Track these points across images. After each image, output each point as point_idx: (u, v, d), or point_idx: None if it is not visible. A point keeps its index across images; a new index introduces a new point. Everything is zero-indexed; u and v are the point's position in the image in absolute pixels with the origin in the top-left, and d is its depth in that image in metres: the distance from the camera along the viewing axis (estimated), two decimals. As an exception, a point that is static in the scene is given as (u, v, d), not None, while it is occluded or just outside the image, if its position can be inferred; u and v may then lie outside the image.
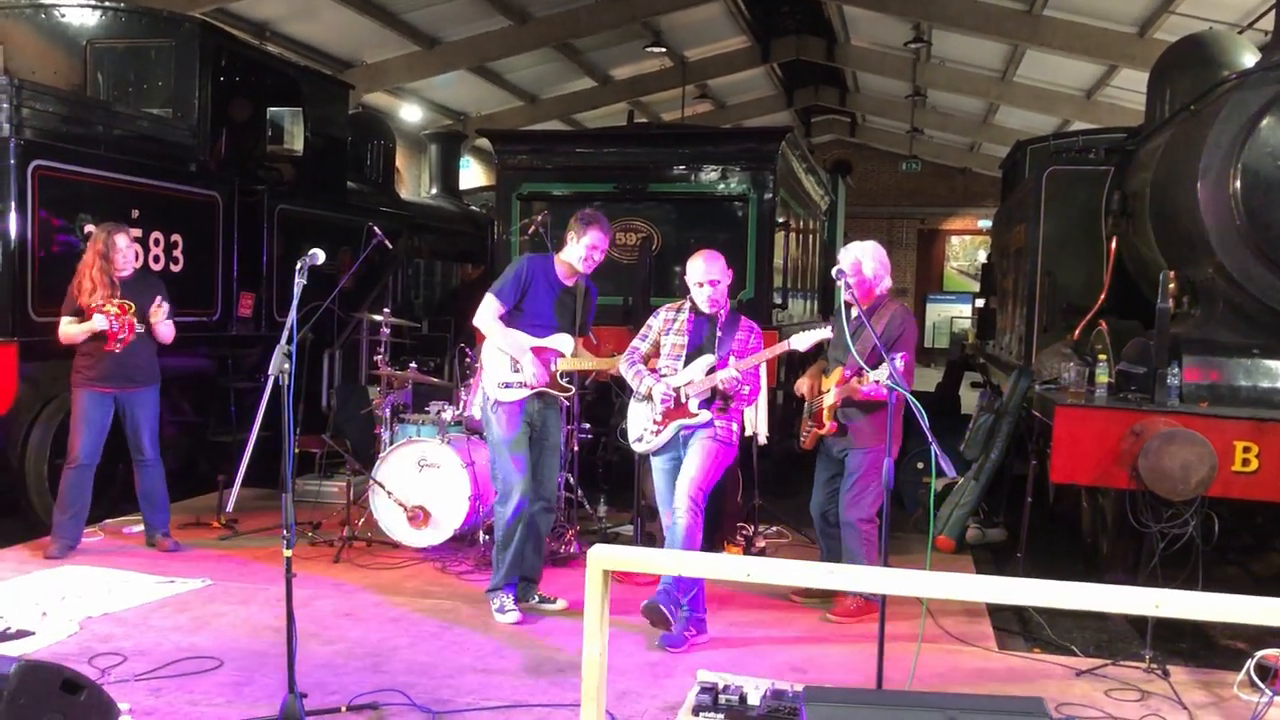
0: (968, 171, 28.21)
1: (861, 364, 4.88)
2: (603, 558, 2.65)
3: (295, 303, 3.80)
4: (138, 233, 7.02)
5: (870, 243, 5.47)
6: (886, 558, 3.98)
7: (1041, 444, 6.35)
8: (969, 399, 13.42)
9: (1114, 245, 6.93)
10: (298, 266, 3.92)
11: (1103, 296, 6.81)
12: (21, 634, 4.62)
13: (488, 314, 5.27)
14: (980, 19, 15.39)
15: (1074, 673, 4.70)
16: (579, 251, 5.26)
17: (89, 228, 6.65)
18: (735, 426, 5.04)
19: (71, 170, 6.66)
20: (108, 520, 6.89)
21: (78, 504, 6.12)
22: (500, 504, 5.34)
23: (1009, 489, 7.39)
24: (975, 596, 2.67)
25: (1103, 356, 5.84)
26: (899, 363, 4.72)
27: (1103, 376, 5.65)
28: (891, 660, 4.06)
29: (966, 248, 30.61)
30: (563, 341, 5.35)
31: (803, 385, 5.65)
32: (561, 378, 5.36)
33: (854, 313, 4.85)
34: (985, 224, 26.10)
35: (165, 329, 6.21)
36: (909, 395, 3.93)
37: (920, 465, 7.78)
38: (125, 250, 6.08)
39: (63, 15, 7.94)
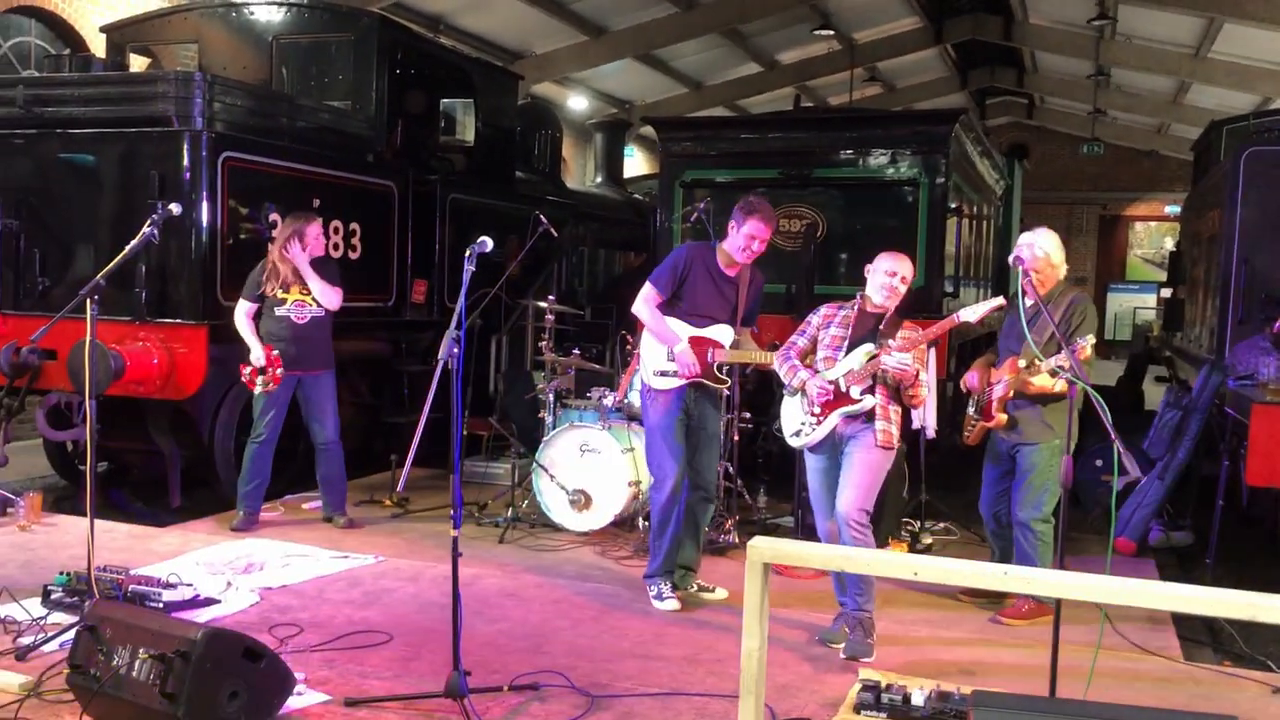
0: (1155, 154, 26.71)
1: (1037, 353, 4.64)
2: (764, 550, 2.59)
3: (464, 289, 3.87)
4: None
5: (1049, 230, 5.21)
6: (1063, 560, 3.78)
7: (1235, 443, 5.95)
8: (1152, 394, 12.74)
9: (1322, 231, 6.43)
10: (466, 254, 3.99)
11: (1308, 286, 6.34)
12: (209, 601, 4.88)
13: (645, 302, 5.25)
14: (1172, -8, 14.52)
15: (1270, 690, 4.38)
16: (738, 241, 5.17)
17: (274, 216, 6.98)
18: (896, 430, 4.76)
19: (258, 161, 6.97)
20: (288, 495, 7.22)
21: (259, 477, 6.44)
22: (655, 490, 5.34)
23: (1197, 490, 6.96)
24: (1161, 605, 2.50)
25: (1307, 351, 5.44)
26: (1087, 349, 4.48)
27: (1307, 372, 5.25)
28: (1065, 667, 3.86)
29: (1152, 234, 29.02)
30: (722, 332, 5.28)
31: (971, 378, 5.41)
32: (719, 369, 5.30)
33: (1029, 301, 4.64)
34: (1173, 210, 24.70)
35: (328, 294, 6.41)
36: (1090, 388, 3.72)
37: (1099, 463, 7.40)
38: (319, 239, 6.38)
39: (251, 13, 8.33)
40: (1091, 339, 4.67)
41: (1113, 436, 3.49)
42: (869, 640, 4.65)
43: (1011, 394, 5.08)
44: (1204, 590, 2.61)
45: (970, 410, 5.41)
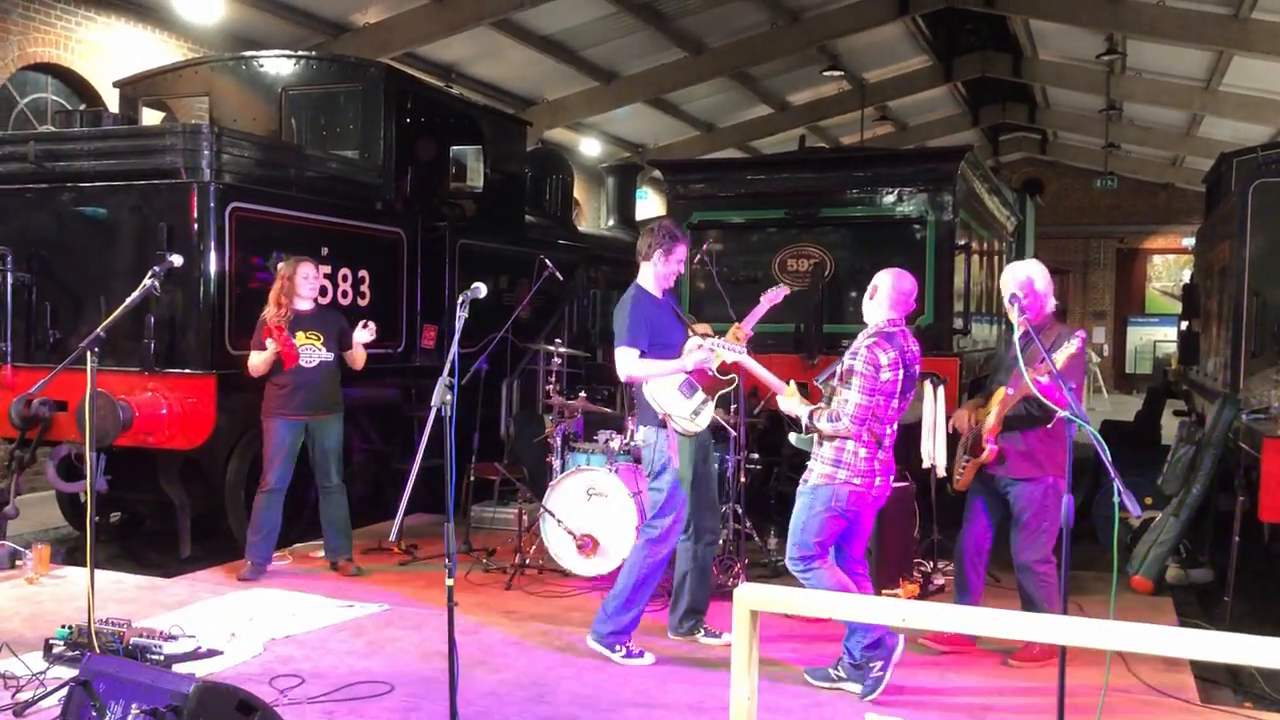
0: (1170, 187, 26.62)
1: (1026, 376, 4.53)
2: (750, 598, 2.56)
3: (456, 336, 3.87)
4: (327, 269, 7.36)
5: (1036, 261, 5.20)
6: (1066, 601, 3.71)
7: (1250, 478, 5.86)
8: (1171, 428, 12.61)
9: (1332, 262, 6.38)
10: (459, 301, 3.99)
11: (1319, 318, 6.27)
12: (211, 653, 4.86)
13: (632, 361, 5.09)
14: (1179, 26, 14.49)
15: (1288, 732, 4.29)
16: (671, 268, 5.21)
17: (281, 265, 7.02)
18: (842, 471, 4.62)
19: (265, 211, 7.04)
20: (297, 545, 7.20)
21: (268, 526, 6.42)
22: (658, 543, 5.15)
23: (1215, 526, 6.86)
24: (1159, 650, 2.44)
25: (1319, 383, 5.37)
26: (1072, 348, 4.43)
27: (1319, 405, 5.18)
28: (1077, 711, 3.79)
29: (1170, 267, 28.85)
30: (692, 347, 5.23)
31: (960, 418, 5.33)
32: (719, 374, 5.23)
33: (1020, 331, 4.63)
34: (1190, 242, 24.60)
35: (361, 355, 6.53)
36: (1082, 421, 3.65)
37: (1118, 500, 7.31)
38: (310, 280, 6.38)
39: (261, 65, 8.45)
40: (1074, 343, 4.57)
41: (1112, 475, 3.44)
42: (873, 675, 4.61)
43: (1000, 427, 4.99)
44: (1206, 635, 2.54)
45: (960, 452, 5.32)
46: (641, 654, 5.07)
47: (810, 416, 4.70)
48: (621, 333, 5.14)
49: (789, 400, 4.79)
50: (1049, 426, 4.87)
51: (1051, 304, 5.08)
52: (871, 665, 4.65)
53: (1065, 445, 3.87)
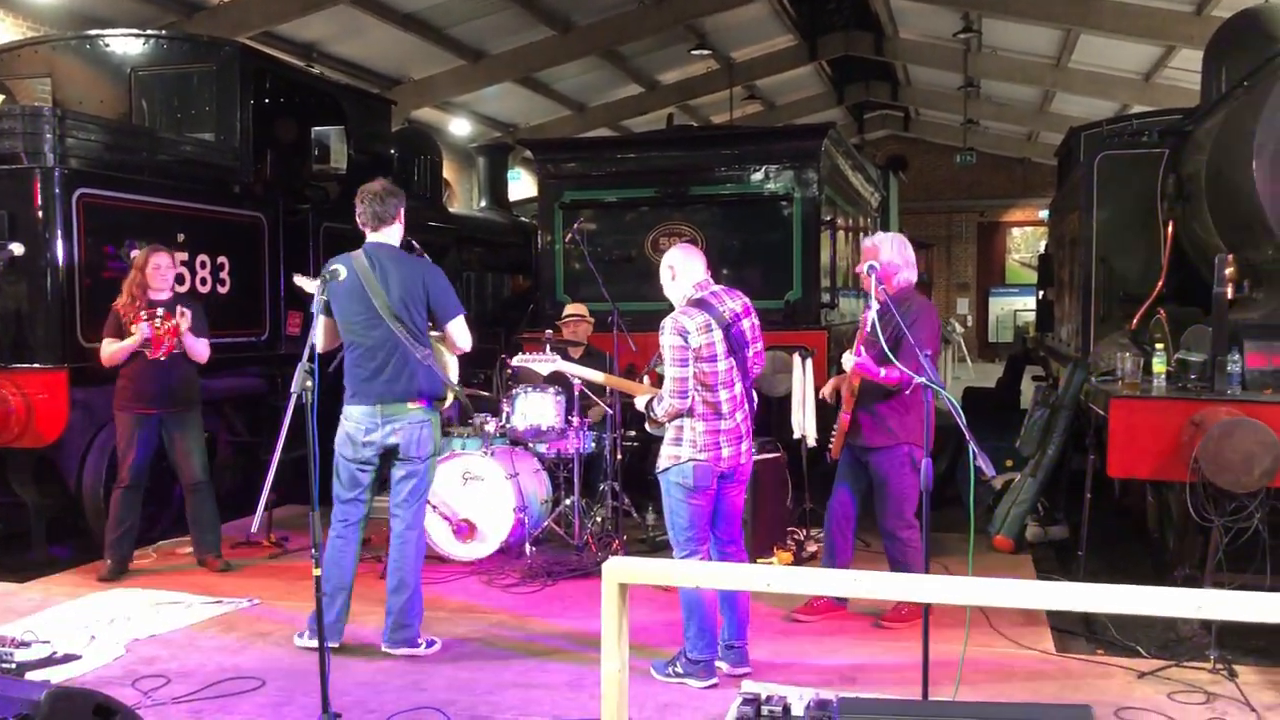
0: (1026, 161, 27.65)
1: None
2: (618, 571, 2.57)
3: (317, 320, 3.79)
4: (184, 256, 7.09)
5: (893, 234, 5.35)
6: (928, 562, 3.83)
7: (1100, 438, 6.14)
8: (1030, 393, 13.13)
9: (1171, 230, 6.69)
10: (316, 285, 3.90)
11: (1160, 283, 6.57)
12: (68, 658, 4.66)
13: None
14: (1030, 5, 15.04)
15: (1136, 674, 4.52)
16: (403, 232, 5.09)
17: (134, 253, 6.74)
18: (685, 449, 4.47)
19: (116, 197, 6.74)
20: (162, 542, 6.96)
21: (126, 523, 6.18)
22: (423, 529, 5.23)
23: (1069, 485, 7.18)
24: (1017, 602, 2.54)
25: (1160, 345, 5.64)
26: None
27: (1160, 366, 5.45)
28: (943, 666, 3.92)
29: (1028, 239, 29.96)
30: None
31: (828, 390, 5.48)
32: None
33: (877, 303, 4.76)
34: (1045, 214, 25.59)
35: (199, 347, 6.19)
36: (949, 396, 3.78)
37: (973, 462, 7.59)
38: (163, 270, 6.12)
39: (107, 45, 8.06)
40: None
41: (968, 437, 3.56)
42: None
43: (854, 397, 5.14)
44: (1040, 586, 2.65)
45: (833, 423, 5.45)
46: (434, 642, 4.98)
47: (647, 406, 4.64)
48: (455, 302, 5.02)
49: (639, 396, 4.82)
50: (904, 395, 5.03)
51: (904, 277, 5.18)
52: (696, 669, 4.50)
53: (920, 413, 3.99)
